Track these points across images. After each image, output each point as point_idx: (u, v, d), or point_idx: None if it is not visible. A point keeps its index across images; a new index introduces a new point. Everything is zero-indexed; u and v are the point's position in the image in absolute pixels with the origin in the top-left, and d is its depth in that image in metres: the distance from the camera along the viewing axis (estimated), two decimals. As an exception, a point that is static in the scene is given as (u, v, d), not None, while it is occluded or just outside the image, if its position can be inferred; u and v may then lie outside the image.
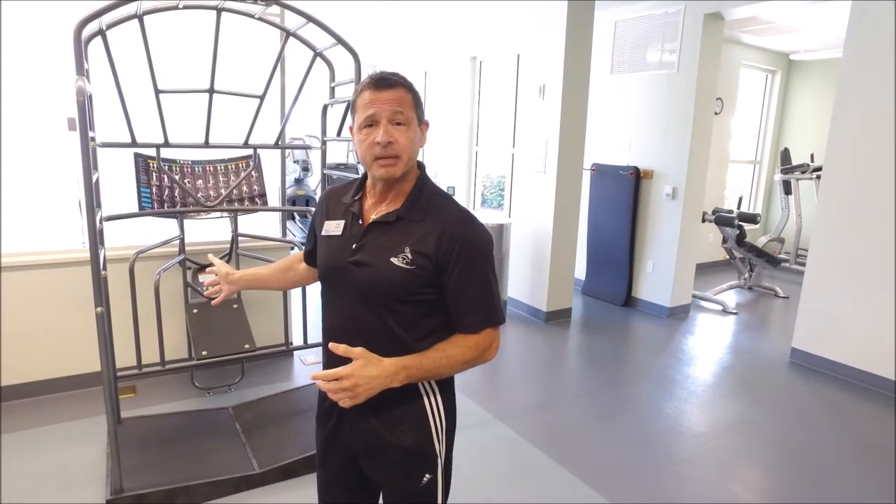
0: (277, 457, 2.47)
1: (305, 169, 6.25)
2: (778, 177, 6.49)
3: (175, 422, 2.78)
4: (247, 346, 2.94)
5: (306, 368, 3.64)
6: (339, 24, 2.45)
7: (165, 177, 2.91)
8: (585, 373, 3.85)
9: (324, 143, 2.91)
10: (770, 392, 3.59)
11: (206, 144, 2.83)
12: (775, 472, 2.69)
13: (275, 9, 2.38)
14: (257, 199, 3.19)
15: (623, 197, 5.11)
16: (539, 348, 4.24)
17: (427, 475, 1.28)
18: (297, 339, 3.45)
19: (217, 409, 2.91)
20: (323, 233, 1.26)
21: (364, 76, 1.21)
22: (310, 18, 2.29)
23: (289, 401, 3.05)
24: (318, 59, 2.67)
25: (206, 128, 2.73)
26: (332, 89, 2.74)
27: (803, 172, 6.19)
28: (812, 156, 6.28)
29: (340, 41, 2.38)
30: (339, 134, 2.80)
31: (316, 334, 3.17)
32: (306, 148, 2.77)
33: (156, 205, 2.92)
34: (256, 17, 2.38)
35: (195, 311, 3.01)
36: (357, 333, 1.18)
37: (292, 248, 3.80)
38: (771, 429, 3.11)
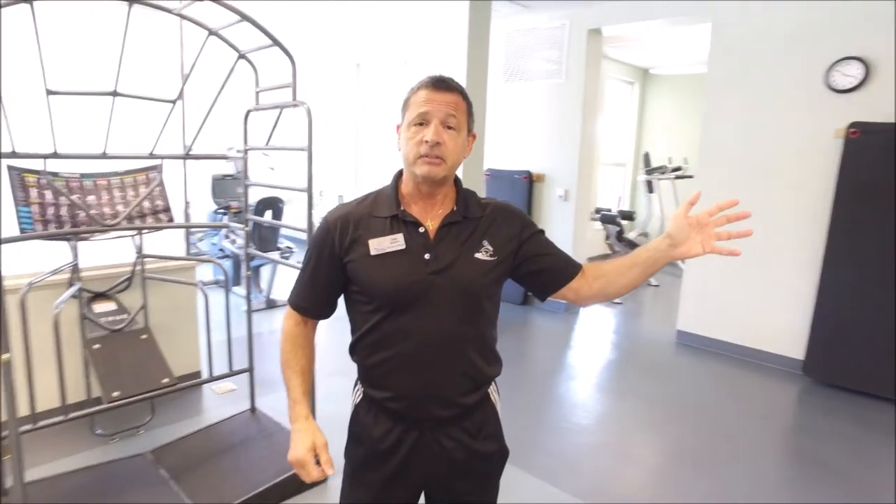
0: (221, 496, 2.24)
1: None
2: (641, 177, 7.21)
3: (84, 479, 2.37)
4: (165, 380, 2.60)
5: (219, 399, 3.32)
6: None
7: (48, 193, 2.49)
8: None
9: (245, 151, 2.67)
10: (662, 369, 4.03)
11: (105, 155, 2.47)
12: (677, 436, 3.02)
13: (197, 6, 2.13)
14: (161, 215, 2.84)
15: (517, 200, 5.34)
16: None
17: (499, 477, 1.33)
18: (209, 369, 3.02)
19: (132, 457, 2.54)
20: (374, 252, 1.14)
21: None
22: (245, 17, 2.08)
23: (214, 436, 2.76)
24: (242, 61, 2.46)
25: (106, 136, 2.38)
26: (258, 94, 2.52)
27: (663, 173, 6.94)
28: (670, 158, 7.07)
29: (277, 43, 2.20)
30: (267, 143, 2.57)
31: (239, 360, 2.90)
32: (221, 158, 2.47)
33: (39, 226, 2.48)
34: (175, 13, 2.12)
35: (96, 346, 2.60)
36: (451, 348, 1.16)
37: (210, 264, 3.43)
38: (668, 400, 3.50)
